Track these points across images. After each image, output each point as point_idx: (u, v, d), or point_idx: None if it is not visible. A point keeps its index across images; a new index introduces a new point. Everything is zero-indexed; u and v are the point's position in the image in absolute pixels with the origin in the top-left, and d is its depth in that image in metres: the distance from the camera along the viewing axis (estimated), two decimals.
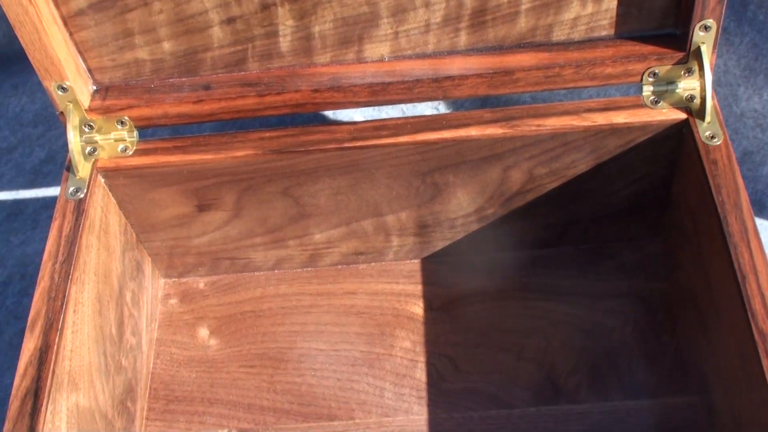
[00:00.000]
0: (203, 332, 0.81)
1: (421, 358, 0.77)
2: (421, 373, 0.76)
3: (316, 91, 0.69)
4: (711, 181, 0.64)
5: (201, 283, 0.84)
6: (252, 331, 0.80)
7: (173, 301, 0.83)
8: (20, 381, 0.61)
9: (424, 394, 0.75)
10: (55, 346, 0.62)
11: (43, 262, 0.66)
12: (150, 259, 0.81)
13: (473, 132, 0.69)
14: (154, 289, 0.82)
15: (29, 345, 0.62)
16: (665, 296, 0.78)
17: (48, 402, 0.60)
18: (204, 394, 0.77)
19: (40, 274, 0.66)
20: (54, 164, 1.05)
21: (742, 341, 0.60)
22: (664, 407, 0.73)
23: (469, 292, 0.80)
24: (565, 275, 0.80)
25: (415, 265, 0.83)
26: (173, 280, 0.84)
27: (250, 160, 0.71)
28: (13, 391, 0.61)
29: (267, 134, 0.71)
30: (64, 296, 0.64)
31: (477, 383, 0.75)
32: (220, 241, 0.80)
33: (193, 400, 0.77)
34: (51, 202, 1.02)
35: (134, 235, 0.78)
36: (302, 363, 0.78)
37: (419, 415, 0.74)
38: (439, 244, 0.81)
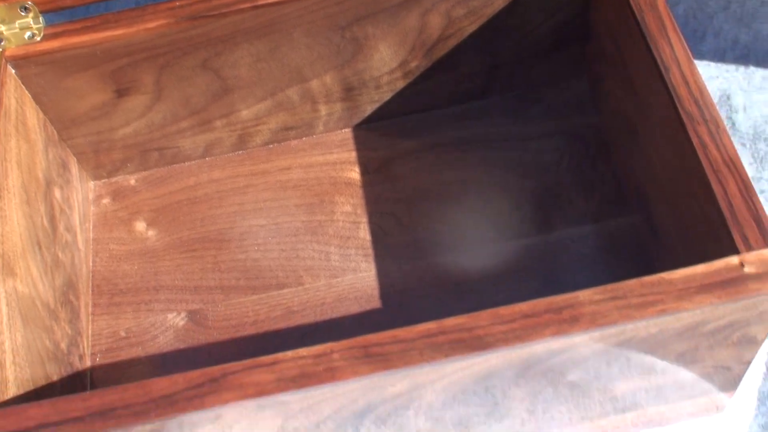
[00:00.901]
0: (140, 225, 0.79)
1: (364, 219, 0.77)
2: (364, 233, 0.76)
3: None
4: None
5: (132, 180, 0.82)
6: (190, 218, 0.79)
7: (105, 200, 0.81)
8: None
9: (370, 251, 0.75)
10: None
11: None
12: (75, 159, 0.79)
13: None
14: (84, 191, 0.80)
15: None
16: (596, 129, 0.79)
17: None
18: (148, 284, 0.76)
19: None
20: None
21: (676, 140, 0.60)
22: (608, 230, 0.74)
23: (404, 152, 0.80)
24: (496, 123, 0.81)
25: (346, 133, 0.82)
26: (103, 181, 0.82)
27: (164, 31, 0.69)
28: None
29: (178, 3, 0.69)
30: None
31: (422, 234, 0.75)
32: (145, 130, 0.78)
33: (138, 290, 0.76)
34: None
35: (55, 132, 0.75)
36: (244, 240, 0.77)
37: (367, 272, 0.74)
38: (368, 108, 0.81)
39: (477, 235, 0.74)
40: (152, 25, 0.69)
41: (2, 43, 0.69)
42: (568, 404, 0.62)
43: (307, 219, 0.78)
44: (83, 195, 0.80)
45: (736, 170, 0.56)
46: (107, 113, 0.76)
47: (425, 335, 0.52)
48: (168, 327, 0.73)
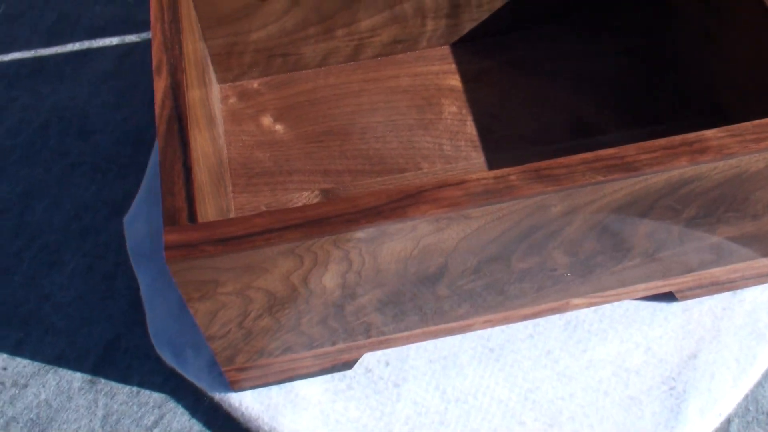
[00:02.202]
0: (267, 120, 0.89)
1: (468, 118, 0.88)
2: (471, 129, 0.87)
3: None
4: None
5: (255, 83, 0.92)
6: (312, 115, 0.89)
7: (232, 100, 0.91)
8: (161, 110, 0.68)
9: (477, 143, 0.86)
10: (184, 84, 0.69)
11: (151, 24, 0.73)
12: (210, 59, 0.89)
13: None
14: (215, 91, 0.90)
15: (160, 84, 0.70)
16: (662, 45, 0.92)
17: (189, 126, 0.67)
18: (281, 167, 0.86)
19: (151, 33, 0.73)
20: (66, 23, 1.10)
21: (755, 26, 0.73)
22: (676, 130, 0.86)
23: (497, 65, 0.92)
24: (570, 41, 0.93)
25: (445, 50, 0.94)
26: (228, 84, 0.92)
27: None
28: (157, 119, 0.68)
29: None
30: (180, 46, 0.71)
31: (521, 129, 0.87)
32: (276, 35, 0.88)
33: (273, 173, 0.85)
34: (72, 56, 1.07)
35: (200, 29, 0.85)
36: (365, 134, 0.88)
37: (477, 159, 0.85)
38: (467, 26, 0.92)
39: (567, 134, 0.86)
40: None
41: None
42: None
43: (419, 117, 0.89)
44: (214, 94, 0.89)
45: None
46: (249, 14, 0.86)
47: (585, 162, 0.63)
48: (304, 202, 0.83)
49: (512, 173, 0.63)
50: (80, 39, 1.09)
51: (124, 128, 1.00)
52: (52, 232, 0.91)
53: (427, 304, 0.71)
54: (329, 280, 0.65)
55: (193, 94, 0.73)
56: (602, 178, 0.63)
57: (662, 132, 0.86)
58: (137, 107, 1.02)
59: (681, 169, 0.63)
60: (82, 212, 0.93)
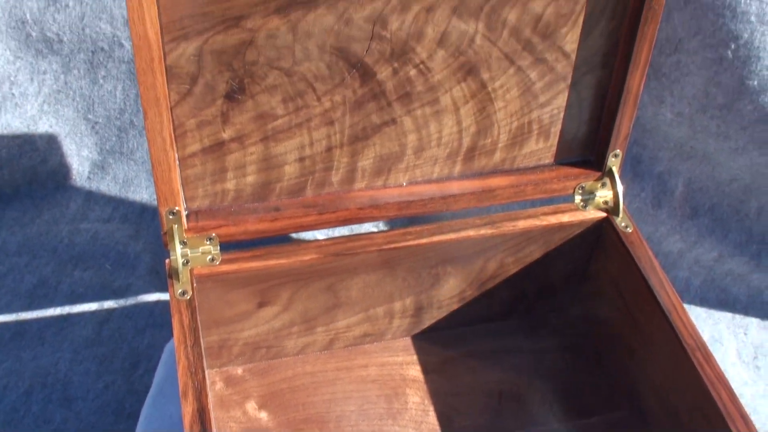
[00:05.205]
0: (252, 407, 0.99)
1: (430, 408, 1.01)
2: (433, 419, 1.00)
3: (360, 209, 0.94)
4: (633, 254, 0.97)
5: (239, 370, 1.03)
6: (293, 402, 1.00)
7: (219, 386, 1.01)
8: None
9: None
10: (209, 409, 0.80)
11: (176, 348, 0.84)
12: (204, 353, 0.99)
13: (471, 233, 0.97)
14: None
15: (188, 409, 0.80)
16: (592, 344, 1.09)
17: None
18: None
19: (176, 357, 0.83)
20: (47, 288, 1.18)
21: (672, 354, 0.91)
22: (605, 423, 1.02)
23: (454, 356, 1.06)
24: (516, 337, 1.09)
25: (407, 341, 1.08)
26: (215, 370, 1.02)
27: (313, 263, 0.94)
28: None
29: (323, 242, 0.95)
30: (203, 371, 0.82)
31: (476, 420, 1.01)
32: (264, 333, 1.00)
33: None
34: (53, 321, 1.15)
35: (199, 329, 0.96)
36: (341, 422, 0.99)
37: None
38: (427, 323, 1.07)
39: (513, 425, 1.01)
40: (306, 258, 0.93)
41: (188, 264, 0.91)
42: None
43: (387, 406, 1.01)
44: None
45: (725, 384, 0.87)
46: (244, 319, 0.97)
47: None
48: None
49: None
50: (60, 304, 1.17)
51: (105, 397, 1.08)
52: None
53: None
54: None
55: None
56: None
57: (594, 424, 1.01)
58: (117, 375, 1.10)
59: None
60: None
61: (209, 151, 0.88)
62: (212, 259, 0.92)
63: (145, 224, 1.25)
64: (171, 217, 0.88)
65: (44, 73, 1.15)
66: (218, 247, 0.92)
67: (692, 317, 1.18)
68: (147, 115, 0.81)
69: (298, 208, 0.93)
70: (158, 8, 0.76)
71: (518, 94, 0.93)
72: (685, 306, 1.21)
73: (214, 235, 0.92)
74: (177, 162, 0.87)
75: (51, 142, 1.21)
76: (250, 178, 0.91)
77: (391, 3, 0.82)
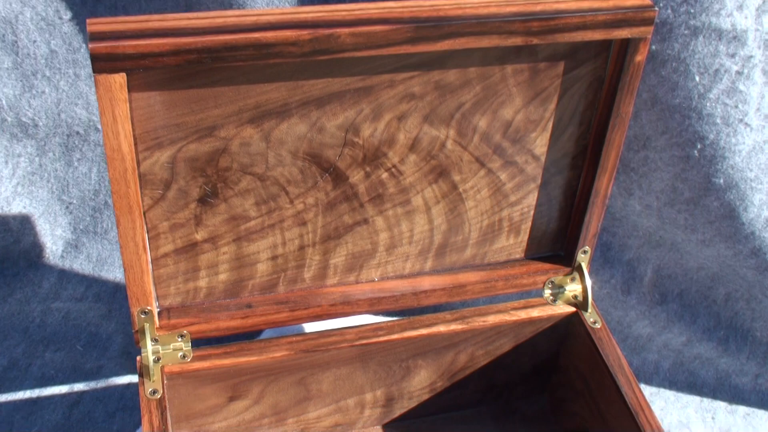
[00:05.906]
0: None
1: None
2: None
3: (332, 305, 0.95)
4: (600, 350, 0.98)
5: None
6: None
7: None
8: None
9: None
10: None
11: None
12: None
13: (441, 328, 0.98)
14: None
15: None
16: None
17: None
18: None
19: None
20: (17, 370, 1.18)
21: None
22: None
23: None
24: (486, 425, 1.10)
25: (378, 430, 1.08)
26: None
27: (284, 359, 0.94)
28: None
29: (294, 338, 0.95)
30: None
31: None
32: (235, 425, 1.00)
33: None
34: (22, 404, 1.14)
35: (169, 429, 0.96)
36: None
37: None
38: (398, 412, 1.07)
39: None
40: (278, 354, 0.94)
41: (159, 361, 0.91)
42: None
43: None
44: None
45: None
46: (215, 412, 0.97)
47: None
48: None
49: None
50: (30, 387, 1.17)
51: None
52: None
53: None
54: None
55: None
56: None
57: None
58: None
59: None
60: None
61: (182, 252, 0.88)
62: (184, 356, 0.92)
63: (117, 303, 1.25)
64: (143, 316, 0.89)
65: (19, 156, 1.16)
66: (189, 344, 0.93)
67: (661, 400, 1.20)
68: (120, 222, 0.81)
69: (270, 305, 0.94)
70: (132, 122, 0.77)
71: (489, 194, 0.95)
72: (654, 389, 1.23)
73: (185, 332, 0.92)
74: (149, 263, 0.87)
75: (24, 222, 1.21)
76: (222, 276, 0.92)
77: (364, 112, 0.84)
